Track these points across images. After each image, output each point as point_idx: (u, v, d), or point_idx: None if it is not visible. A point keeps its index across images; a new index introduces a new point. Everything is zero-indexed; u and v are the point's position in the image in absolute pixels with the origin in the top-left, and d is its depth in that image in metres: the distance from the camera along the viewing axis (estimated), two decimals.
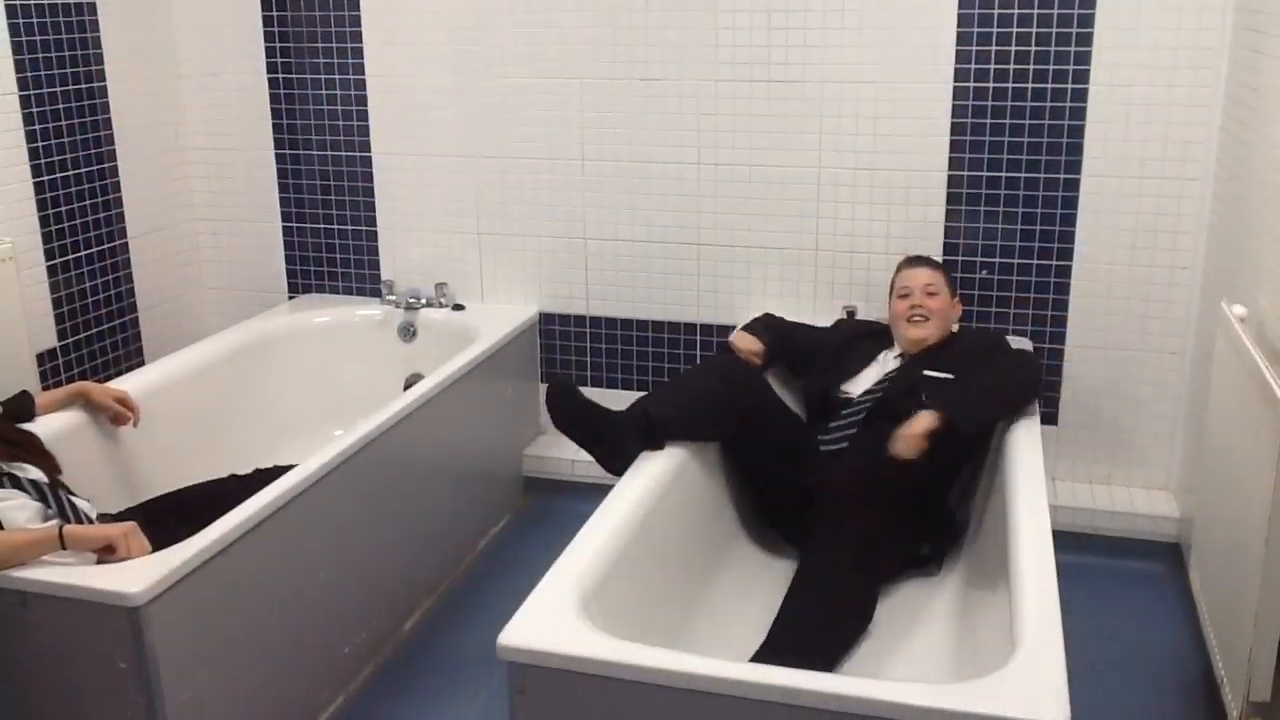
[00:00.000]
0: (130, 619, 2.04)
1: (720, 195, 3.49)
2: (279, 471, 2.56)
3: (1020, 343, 3.23)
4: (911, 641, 2.53)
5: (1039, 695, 1.73)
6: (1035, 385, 2.91)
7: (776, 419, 2.92)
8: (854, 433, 2.84)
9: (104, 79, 3.50)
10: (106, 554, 2.18)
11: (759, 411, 2.85)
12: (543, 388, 3.78)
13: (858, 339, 3.11)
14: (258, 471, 2.77)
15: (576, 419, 2.78)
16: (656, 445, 2.67)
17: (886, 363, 2.99)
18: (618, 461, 2.65)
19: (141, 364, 3.61)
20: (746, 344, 3.11)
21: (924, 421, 2.65)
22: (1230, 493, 2.50)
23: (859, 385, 2.95)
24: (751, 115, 3.40)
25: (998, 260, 3.34)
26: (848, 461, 2.79)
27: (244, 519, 2.30)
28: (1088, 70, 3.13)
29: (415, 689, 2.77)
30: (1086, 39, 3.11)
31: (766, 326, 3.20)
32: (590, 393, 3.69)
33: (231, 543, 2.25)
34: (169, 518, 2.48)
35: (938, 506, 2.84)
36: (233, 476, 2.78)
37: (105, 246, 3.55)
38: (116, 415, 2.89)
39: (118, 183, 3.59)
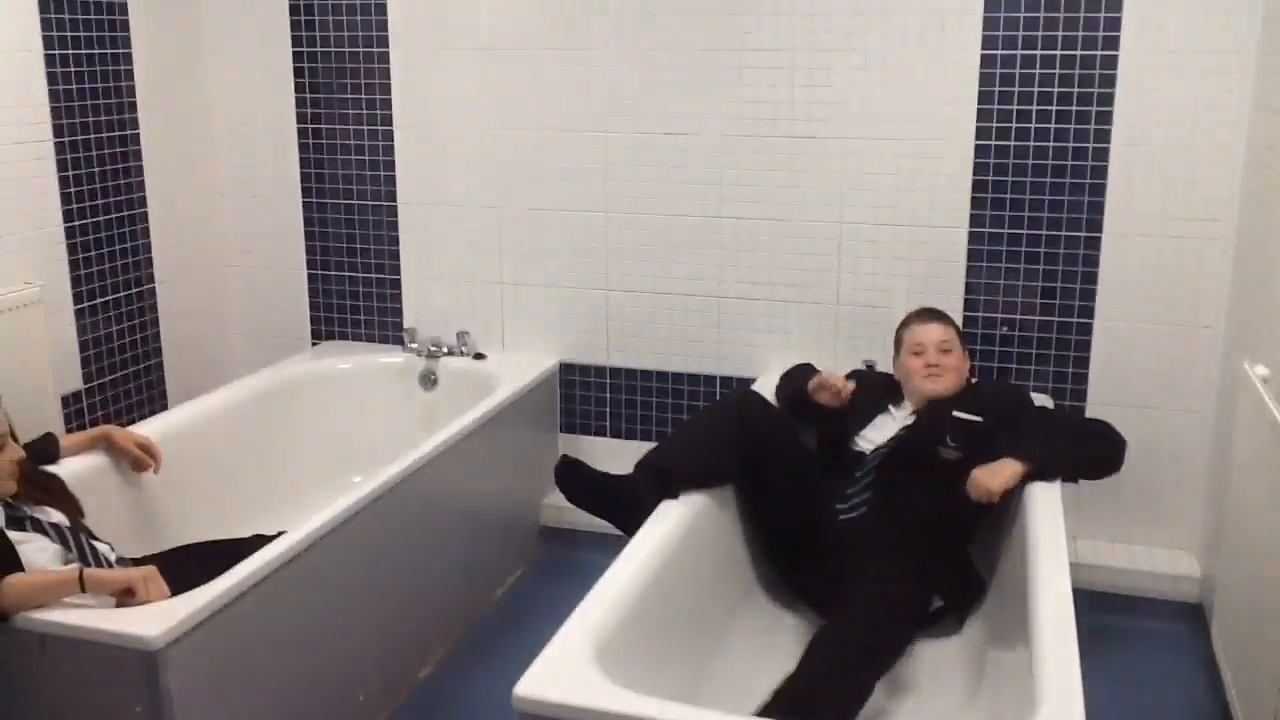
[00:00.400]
0: (148, 663, 2.05)
1: (742, 248, 3.51)
2: None
3: (1041, 399, 3.22)
4: (930, 701, 2.50)
5: None
6: (1120, 461, 2.88)
7: (790, 450, 2.86)
8: (869, 495, 2.82)
9: (137, 126, 3.56)
10: (126, 597, 2.19)
11: (772, 440, 2.81)
12: (563, 438, 3.80)
13: (865, 383, 3.10)
14: (280, 535, 2.76)
15: (587, 492, 2.77)
16: (672, 494, 2.66)
17: (900, 418, 2.97)
18: (634, 525, 2.60)
19: (165, 408, 3.64)
20: (837, 379, 2.99)
21: (1010, 471, 2.64)
22: (1253, 553, 2.48)
23: (870, 440, 2.93)
24: (774, 169, 3.42)
25: (1019, 316, 3.34)
26: (865, 528, 2.77)
27: (262, 565, 2.30)
28: (1109, 129, 3.14)
29: None
30: (1108, 98, 3.12)
31: (805, 375, 3.18)
32: (609, 443, 3.74)
33: (249, 588, 2.26)
34: (189, 565, 2.48)
35: (958, 558, 2.82)
36: (257, 537, 2.76)
37: (133, 290, 3.60)
38: (137, 461, 2.91)
39: (147, 228, 3.64)
